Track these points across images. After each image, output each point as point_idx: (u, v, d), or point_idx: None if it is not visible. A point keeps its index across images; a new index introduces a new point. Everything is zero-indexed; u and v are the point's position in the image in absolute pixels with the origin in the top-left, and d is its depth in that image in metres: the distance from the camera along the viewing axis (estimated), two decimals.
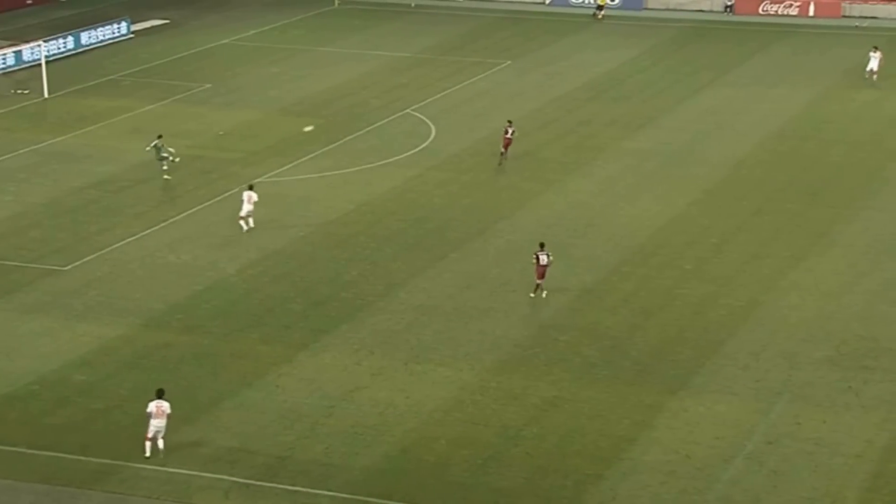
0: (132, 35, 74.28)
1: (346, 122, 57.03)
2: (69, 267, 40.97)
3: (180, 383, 33.03)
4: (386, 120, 57.41)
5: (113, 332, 36.08)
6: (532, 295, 37.69)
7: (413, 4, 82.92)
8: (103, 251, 42.24)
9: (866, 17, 77.15)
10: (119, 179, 49.61)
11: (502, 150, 50.21)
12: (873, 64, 62.40)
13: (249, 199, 43.15)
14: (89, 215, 45.78)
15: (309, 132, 51.92)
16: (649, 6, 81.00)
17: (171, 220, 45.10)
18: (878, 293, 38.13)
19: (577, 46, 71.24)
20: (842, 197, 46.73)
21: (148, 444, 29.21)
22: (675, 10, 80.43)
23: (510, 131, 50.40)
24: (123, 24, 74.20)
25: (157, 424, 29.16)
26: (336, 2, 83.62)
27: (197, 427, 30.83)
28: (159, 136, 48.91)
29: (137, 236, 43.62)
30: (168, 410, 29.28)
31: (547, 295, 37.75)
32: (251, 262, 41.15)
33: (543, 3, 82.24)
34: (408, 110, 58.90)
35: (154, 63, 68.39)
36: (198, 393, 32.65)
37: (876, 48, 63.55)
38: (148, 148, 49.06)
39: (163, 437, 29.23)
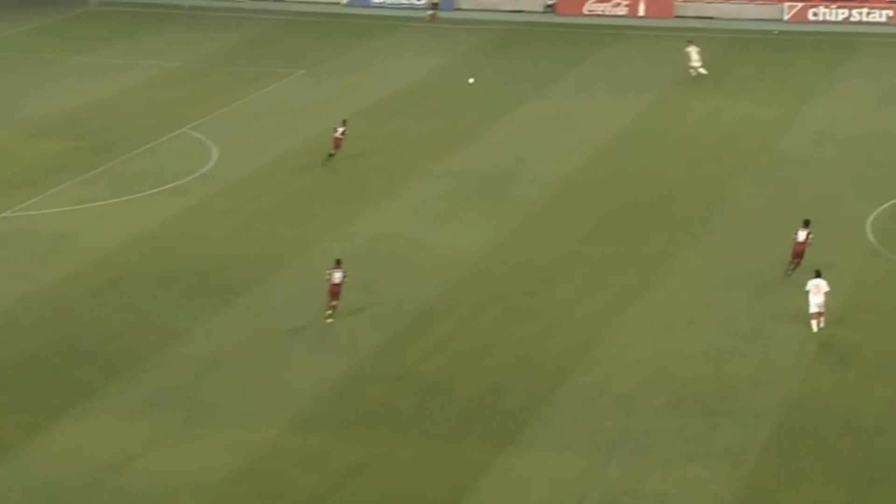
0: None
1: (109, 145, 56.00)
2: None
3: None
4: (158, 141, 56.64)
5: None
6: (328, 318, 38.52)
7: (187, 6, 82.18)
8: None
9: (702, 18, 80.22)
10: None
11: (332, 151, 51.92)
12: (694, 59, 65.73)
13: None
14: None
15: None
16: (461, 6, 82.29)
17: None
18: (723, 326, 39.51)
19: (380, 53, 71.90)
20: (681, 219, 48.36)
21: None
22: (490, 10, 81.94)
23: (340, 130, 52.09)
24: None
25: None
26: (92, 2, 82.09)
27: None
28: None
29: None
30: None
31: (331, 322, 38.49)
32: None
33: (339, 4, 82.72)
34: (184, 129, 58.27)
35: None
36: None
37: (690, 41, 66.78)
38: None
39: None
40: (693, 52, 65.82)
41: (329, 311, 38.92)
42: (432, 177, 52.67)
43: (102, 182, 51.37)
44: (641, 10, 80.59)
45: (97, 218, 47.72)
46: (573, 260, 44.68)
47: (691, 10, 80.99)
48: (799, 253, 42.02)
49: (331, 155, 52.57)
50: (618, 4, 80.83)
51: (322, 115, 60.12)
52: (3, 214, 47.69)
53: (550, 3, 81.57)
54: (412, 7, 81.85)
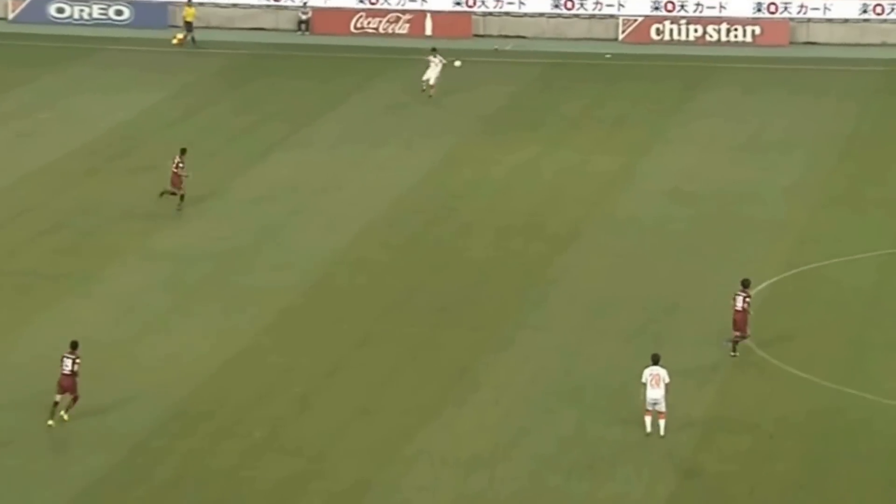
0: None
1: None
2: None
3: None
4: None
5: None
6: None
7: None
8: None
9: (509, 37, 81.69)
10: None
11: (172, 190, 55.51)
12: (431, 73, 68.47)
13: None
14: None
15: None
16: (176, 23, 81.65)
17: None
18: (546, 460, 39.78)
19: (67, 87, 71.35)
20: (488, 312, 48.78)
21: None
22: (221, 27, 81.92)
23: (177, 161, 55.70)
24: None
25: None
26: None
27: None
28: None
29: None
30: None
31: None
32: None
33: (5, 20, 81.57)
34: None
35: None
36: None
37: (434, 50, 69.42)
38: None
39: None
40: (433, 67, 68.87)
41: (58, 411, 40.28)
42: (145, 258, 52.21)
43: None
44: (429, 28, 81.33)
45: None
46: (342, 370, 44.68)
47: (494, 26, 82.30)
48: (740, 324, 44.06)
49: (172, 193, 55.29)
50: (396, 20, 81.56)
51: None
52: None
53: (304, 17, 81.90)
54: (112, 23, 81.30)
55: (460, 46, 79.22)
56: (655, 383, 39.53)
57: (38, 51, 76.75)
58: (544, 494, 38.15)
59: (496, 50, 79.90)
